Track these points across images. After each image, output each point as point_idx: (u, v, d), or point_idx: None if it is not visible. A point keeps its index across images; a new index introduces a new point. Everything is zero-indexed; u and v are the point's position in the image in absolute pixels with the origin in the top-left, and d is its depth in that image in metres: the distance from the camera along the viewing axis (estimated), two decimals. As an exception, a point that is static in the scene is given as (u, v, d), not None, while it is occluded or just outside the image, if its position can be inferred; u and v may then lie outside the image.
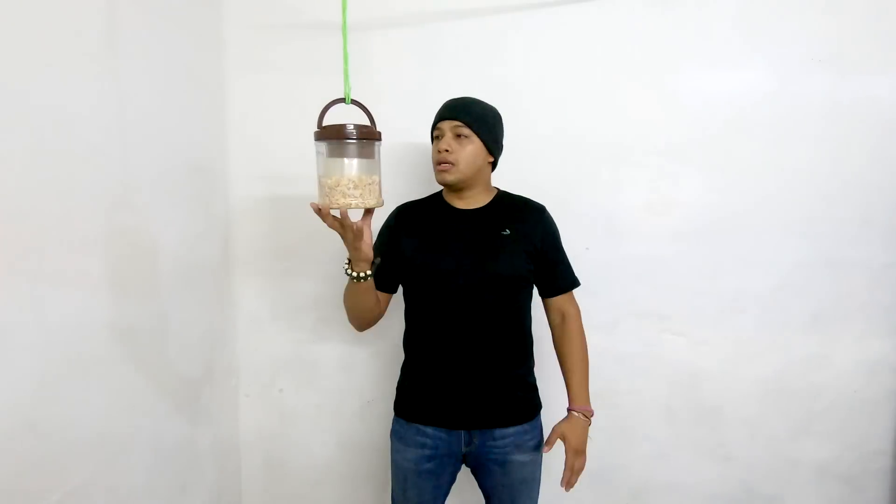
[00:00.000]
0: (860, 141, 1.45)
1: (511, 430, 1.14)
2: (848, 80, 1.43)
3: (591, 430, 1.58)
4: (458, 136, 1.10)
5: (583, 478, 1.61)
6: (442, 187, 1.24)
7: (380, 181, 0.93)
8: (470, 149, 1.11)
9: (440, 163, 1.11)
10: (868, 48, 1.42)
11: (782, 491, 1.60)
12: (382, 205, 0.93)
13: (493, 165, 1.20)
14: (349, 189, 0.87)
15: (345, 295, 1.14)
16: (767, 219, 1.49)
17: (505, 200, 1.20)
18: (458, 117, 1.11)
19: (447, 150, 1.09)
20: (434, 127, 1.15)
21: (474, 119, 1.12)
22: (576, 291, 1.24)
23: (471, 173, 1.13)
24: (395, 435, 1.21)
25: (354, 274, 1.01)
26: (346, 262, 1.03)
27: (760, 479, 1.59)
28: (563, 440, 1.14)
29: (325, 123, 0.91)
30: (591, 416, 1.17)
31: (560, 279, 1.19)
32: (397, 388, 1.24)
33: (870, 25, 1.42)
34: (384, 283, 1.20)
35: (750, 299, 1.52)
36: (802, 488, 1.59)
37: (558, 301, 1.21)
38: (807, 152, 1.47)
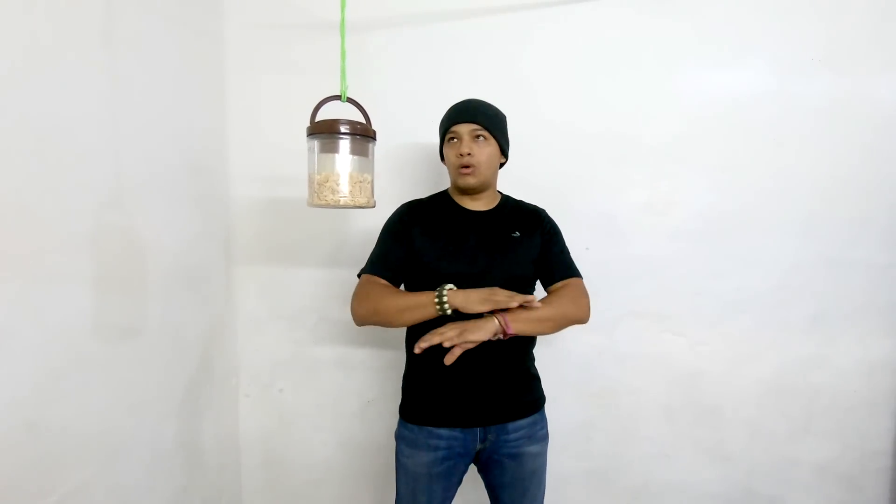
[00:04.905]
0: (860, 141, 1.45)
1: (524, 421, 1.16)
2: (847, 80, 1.43)
3: (592, 430, 1.60)
4: (477, 137, 1.11)
5: (583, 478, 1.63)
6: (446, 187, 1.24)
7: (372, 181, 0.91)
8: (488, 151, 1.12)
9: (462, 166, 1.10)
10: (867, 48, 1.42)
11: (782, 491, 1.60)
12: (374, 206, 0.91)
13: (500, 166, 1.21)
14: (339, 186, 0.84)
15: (401, 309, 1.06)
16: (767, 219, 1.49)
17: (510, 204, 1.22)
18: (476, 120, 1.10)
19: (469, 154, 1.09)
20: (447, 131, 1.13)
21: (490, 121, 1.12)
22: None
23: (490, 175, 1.14)
24: (404, 440, 1.18)
25: (450, 312, 1.02)
26: (445, 295, 1.01)
27: (760, 479, 1.59)
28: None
29: (319, 119, 0.89)
30: (507, 333, 1.03)
31: (557, 269, 1.17)
32: (403, 392, 1.22)
33: (869, 25, 1.42)
34: (399, 277, 1.15)
35: (750, 299, 1.52)
36: (802, 488, 1.59)
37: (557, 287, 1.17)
38: (806, 152, 1.47)
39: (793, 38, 1.44)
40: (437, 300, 1.02)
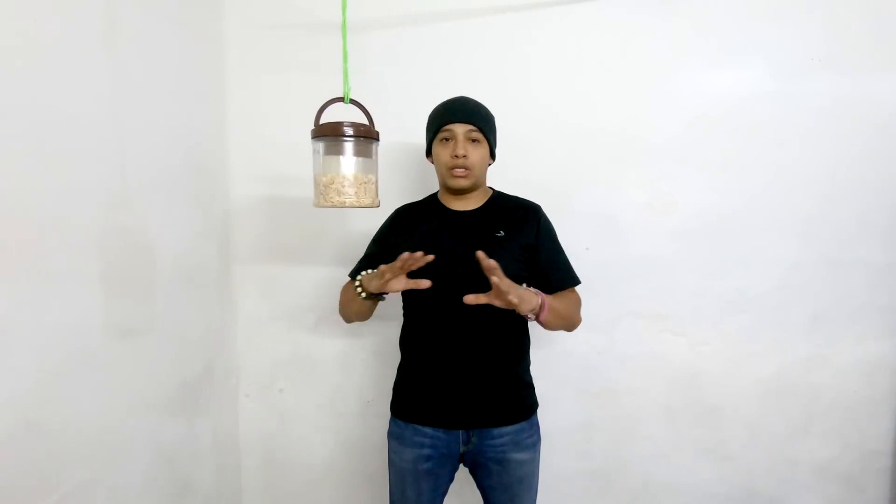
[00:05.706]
0: (860, 141, 1.45)
1: (509, 428, 1.14)
2: (848, 80, 1.43)
3: (592, 430, 1.60)
4: (472, 140, 1.09)
5: (583, 478, 1.63)
6: (437, 188, 1.24)
7: (377, 181, 0.92)
8: (481, 152, 1.11)
9: (456, 167, 1.09)
10: (868, 48, 1.42)
11: (782, 491, 1.60)
12: (378, 205, 0.92)
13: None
14: (344, 187, 0.86)
15: (344, 295, 1.21)
16: (767, 219, 1.49)
17: (499, 201, 1.19)
18: (472, 120, 1.09)
19: (464, 156, 1.08)
20: (440, 128, 1.10)
21: (485, 122, 1.11)
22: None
23: (481, 176, 1.14)
24: (393, 436, 1.20)
25: (363, 294, 1.08)
26: (359, 279, 1.09)
27: (760, 479, 1.59)
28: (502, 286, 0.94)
29: (323, 122, 0.90)
30: (542, 309, 1.01)
31: (556, 278, 1.15)
32: (394, 389, 1.24)
33: (869, 25, 1.42)
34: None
35: (750, 299, 1.52)
36: (802, 488, 1.59)
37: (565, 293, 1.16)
38: (806, 152, 1.47)
39: (793, 38, 1.44)
40: (356, 285, 1.09)
